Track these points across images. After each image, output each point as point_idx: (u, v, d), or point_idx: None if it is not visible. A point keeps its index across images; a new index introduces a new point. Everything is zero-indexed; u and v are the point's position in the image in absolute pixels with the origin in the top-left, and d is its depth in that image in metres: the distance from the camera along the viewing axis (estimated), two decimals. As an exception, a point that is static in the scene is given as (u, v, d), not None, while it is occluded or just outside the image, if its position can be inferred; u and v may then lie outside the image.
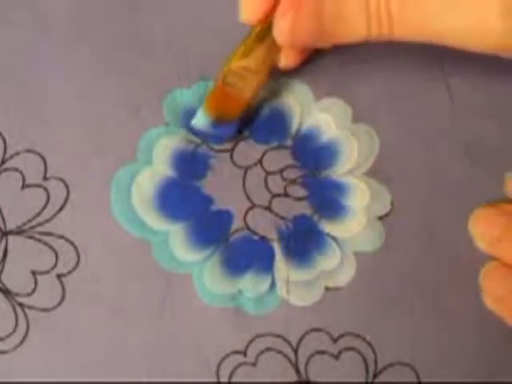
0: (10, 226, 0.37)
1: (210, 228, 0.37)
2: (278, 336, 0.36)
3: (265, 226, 0.37)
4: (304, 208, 0.37)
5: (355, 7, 0.33)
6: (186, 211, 0.37)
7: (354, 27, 0.33)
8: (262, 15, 0.34)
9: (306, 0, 0.32)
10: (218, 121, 0.37)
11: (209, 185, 0.38)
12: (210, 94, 0.37)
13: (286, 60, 0.37)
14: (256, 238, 0.37)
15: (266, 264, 0.37)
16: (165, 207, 0.37)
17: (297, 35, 0.33)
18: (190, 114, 0.38)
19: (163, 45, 0.39)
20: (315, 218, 0.37)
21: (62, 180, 0.37)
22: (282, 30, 0.33)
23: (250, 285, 0.36)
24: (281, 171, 0.38)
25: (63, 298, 0.36)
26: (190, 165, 0.38)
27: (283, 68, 0.37)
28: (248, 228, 0.37)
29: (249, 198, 0.38)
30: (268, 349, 0.35)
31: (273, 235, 0.37)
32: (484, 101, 0.39)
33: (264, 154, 0.38)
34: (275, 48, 0.35)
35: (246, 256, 0.37)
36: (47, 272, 0.36)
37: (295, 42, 0.34)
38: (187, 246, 0.37)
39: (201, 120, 0.37)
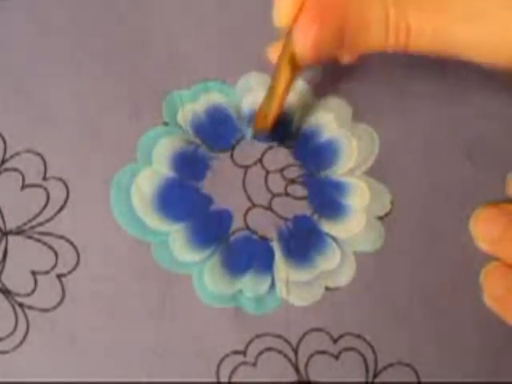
0: (10, 225, 0.37)
1: (209, 228, 0.37)
2: (278, 336, 0.36)
3: (265, 225, 0.37)
4: (304, 208, 0.37)
5: (376, 18, 0.32)
6: (185, 211, 0.37)
7: (374, 38, 0.33)
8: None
9: (329, 12, 0.32)
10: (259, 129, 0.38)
11: (208, 185, 0.38)
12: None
13: None
14: (256, 237, 0.37)
15: (265, 264, 0.37)
16: (164, 207, 0.37)
17: (319, 50, 0.32)
18: (190, 114, 0.38)
19: (163, 45, 0.39)
20: (315, 217, 0.37)
21: (61, 180, 0.37)
22: (304, 47, 0.32)
23: (250, 285, 0.36)
24: (281, 170, 0.38)
25: (63, 298, 0.36)
26: (189, 165, 0.38)
27: None
28: (248, 228, 0.37)
29: (249, 198, 0.38)
30: (268, 349, 0.35)
31: (273, 235, 0.37)
32: (484, 100, 0.38)
33: (264, 153, 0.38)
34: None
35: (245, 256, 0.37)
36: (47, 272, 0.36)
37: (317, 57, 0.33)
38: (187, 247, 0.37)
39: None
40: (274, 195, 0.38)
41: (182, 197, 0.37)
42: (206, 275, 0.36)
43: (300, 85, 0.39)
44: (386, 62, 0.39)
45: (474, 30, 0.31)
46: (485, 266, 0.36)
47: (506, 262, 0.35)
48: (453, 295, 0.36)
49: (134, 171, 0.38)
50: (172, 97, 0.39)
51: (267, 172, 0.38)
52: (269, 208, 0.37)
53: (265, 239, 0.37)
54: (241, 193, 0.38)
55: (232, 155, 0.38)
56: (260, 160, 0.38)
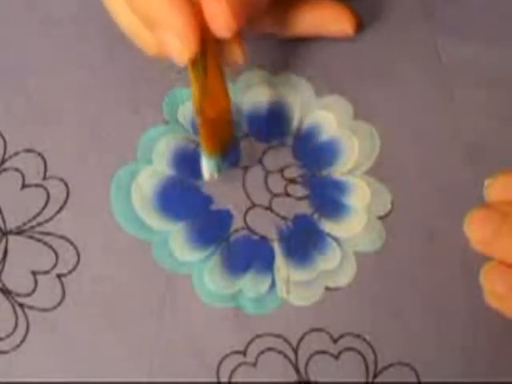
0: (10, 226, 0.37)
1: (209, 227, 0.37)
2: (278, 336, 0.36)
3: (265, 225, 0.37)
4: (304, 207, 0.37)
5: None
6: (185, 211, 0.37)
7: None
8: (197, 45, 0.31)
9: None
10: (223, 153, 0.36)
11: (209, 184, 0.38)
12: (201, 138, 0.35)
13: (234, 57, 0.34)
14: (256, 237, 0.37)
15: (266, 264, 0.37)
16: (165, 207, 0.37)
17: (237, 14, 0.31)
18: (190, 112, 0.38)
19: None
20: (315, 217, 0.37)
21: (62, 180, 0.37)
22: (222, 18, 0.31)
23: (250, 285, 0.36)
24: (281, 170, 0.38)
25: (63, 298, 0.36)
26: (189, 164, 0.38)
27: (237, 66, 0.34)
28: (248, 228, 0.37)
29: (249, 198, 0.38)
30: (268, 349, 0.35)
31: (273, 235, 0.37)
32: (485, 100, 0.38)
33: (264, 152, 0.38)
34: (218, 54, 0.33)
35: (246, 256, 0.37)
36: (47, 272, 0.36)
37: (239, 21, 0.31)
38: (187, 246, 0.37)
39: (210, 166, 0.36)
40: (274, 195, 0.38)
41: (183, 196, 0.37)
42: (206, 275, 0.36)
43: (300, 82, 0.39)
44: (388, 61, 0.39)
45: None
46: (484, 265, 0.36)
47: (502, 261, 0.35)
48: (452, 295, 0.36)
49: (134, 170, 0.38)
50: (172, 94, 0.39)
51: (267, 172, 0.38)
52: (269, 208, 0.37)
53: (265, 239, 0.37)
54: (241, 193, 0.38)
55: (232, 154, 0.38)
56: (260, 160, 0.38)
